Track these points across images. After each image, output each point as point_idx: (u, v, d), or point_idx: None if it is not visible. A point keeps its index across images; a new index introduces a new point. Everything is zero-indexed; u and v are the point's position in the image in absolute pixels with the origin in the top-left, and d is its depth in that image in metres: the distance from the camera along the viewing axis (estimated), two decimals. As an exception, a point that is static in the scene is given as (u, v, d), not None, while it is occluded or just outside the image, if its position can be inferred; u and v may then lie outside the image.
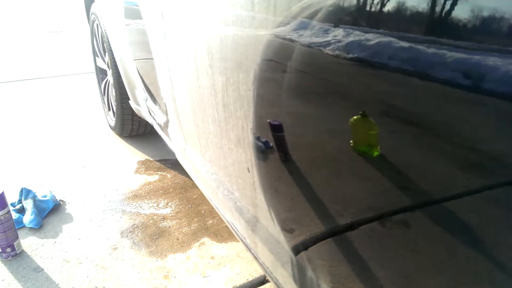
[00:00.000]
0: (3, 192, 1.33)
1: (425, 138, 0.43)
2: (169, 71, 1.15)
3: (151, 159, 2.21)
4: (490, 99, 0.35)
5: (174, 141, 1.42)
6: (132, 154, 2.25)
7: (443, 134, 0.41)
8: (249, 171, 0.78)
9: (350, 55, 0.48)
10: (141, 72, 1.64)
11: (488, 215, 0.37)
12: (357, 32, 0.47)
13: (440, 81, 0.39)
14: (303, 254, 0.68)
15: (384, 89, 0.46)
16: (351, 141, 0.51)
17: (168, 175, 2.03)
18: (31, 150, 2.23)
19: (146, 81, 1.63)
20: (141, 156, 2.24)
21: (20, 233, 1.50)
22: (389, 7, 0.45)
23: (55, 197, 1.73)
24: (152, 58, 1.35)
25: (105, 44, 2.07)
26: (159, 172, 2.06)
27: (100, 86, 2.60)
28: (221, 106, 0.82)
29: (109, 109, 2.49)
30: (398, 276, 0.51)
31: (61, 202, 1.74)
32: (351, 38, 0.48)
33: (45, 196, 1.71)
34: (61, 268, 1.34)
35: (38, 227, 1.56)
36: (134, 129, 2.30)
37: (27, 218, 1.58)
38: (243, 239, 0.95)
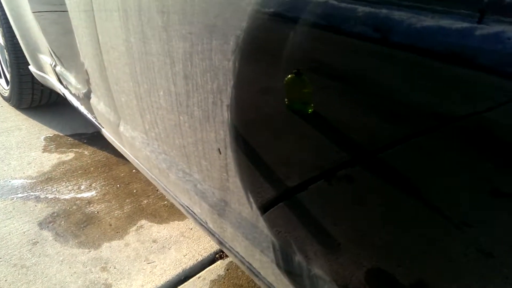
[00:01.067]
0: None
1: (354, 93, 0.45)
2: (95, 32, 0.95)
3: (61, 134, 1.92)
4: (401, 52, 0.38)
5: (100, 115, 1.22)
6: (36, 130, 1.92)
7: (368, 87, 0.43)
8: (220, 152, 0.69)
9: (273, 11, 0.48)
10: (47, 31, 1.36)
11: (420, 162, 0.40)
12: None
13: (354, 36, 0.41)
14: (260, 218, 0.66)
15: (309, 46, 0.47)
16: (286, 100, 0.52)
17: (86, 152, 1.79)
18: None
19: (53, 43, 1.35)
20: (47, 131, 1.93)
21: None
22: None
23: None
24: (65, 12, 1.11)
25: (-12, -5, 1.67)
26: (74, 149, 1.80)
27: (-17, 48, 2.13)
28: (181, 77, 0.70)
29: (0, 76, 2.07)
30: (351, 231, 0.52)
31: (-49, 194, 1.42)
32: None
33: None
34: (-34, 275, 1.10)
35: None
36: (36, 99, 1.96)
37: None
38: (204, 224, 0.87)
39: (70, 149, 1.80)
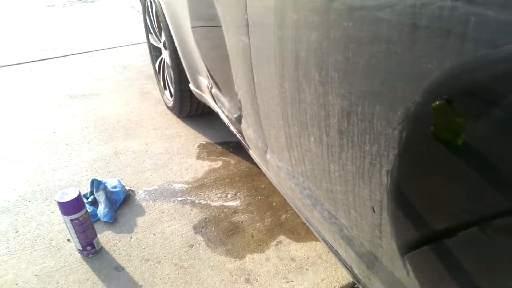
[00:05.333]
0: (79, 194, 1.31)
1: None
2: (251, 71, 1.02)
3: (211, 142, 2.14)
4: None
5: (248, 139, 1.32)
6: (192, 137, 2.19)
7: None
8: (374, 211, 0.66)
9: None
10: (207, 57, 1.52)
11: None
12: None
13: None
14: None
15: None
16: (431, 127, 0.47)
17: (232, 161, 1.96)
18: (91, 136, 2.23)
19: (212, 69, 1.51)
20: (201, 139, 2.18)
21: (96, 226, 1.51)
22: None
23: (124, 187, 1.73)
24: (224, 43, 1.22)
25: (161, 24, 1.95)
26: (222, 158, 1.99)
27: (154, 64, 2.51)
28: (335, 131, 0.69)
29: (165, 88, 2.42)
30: None
31: (131, 193, 1.73)
32: None
33: (115, 187, 1.70)
34: (141, 268, 1.34)
35: (112, 221, 1.56)
36: (193, 110, 2.23)
37: (101, 211, 1.58)
38: (349, 267, 0.86)
39: (219, 157, 2.00)
